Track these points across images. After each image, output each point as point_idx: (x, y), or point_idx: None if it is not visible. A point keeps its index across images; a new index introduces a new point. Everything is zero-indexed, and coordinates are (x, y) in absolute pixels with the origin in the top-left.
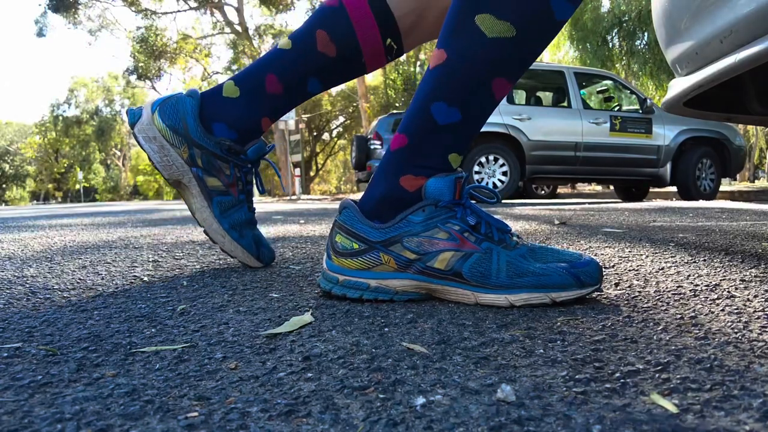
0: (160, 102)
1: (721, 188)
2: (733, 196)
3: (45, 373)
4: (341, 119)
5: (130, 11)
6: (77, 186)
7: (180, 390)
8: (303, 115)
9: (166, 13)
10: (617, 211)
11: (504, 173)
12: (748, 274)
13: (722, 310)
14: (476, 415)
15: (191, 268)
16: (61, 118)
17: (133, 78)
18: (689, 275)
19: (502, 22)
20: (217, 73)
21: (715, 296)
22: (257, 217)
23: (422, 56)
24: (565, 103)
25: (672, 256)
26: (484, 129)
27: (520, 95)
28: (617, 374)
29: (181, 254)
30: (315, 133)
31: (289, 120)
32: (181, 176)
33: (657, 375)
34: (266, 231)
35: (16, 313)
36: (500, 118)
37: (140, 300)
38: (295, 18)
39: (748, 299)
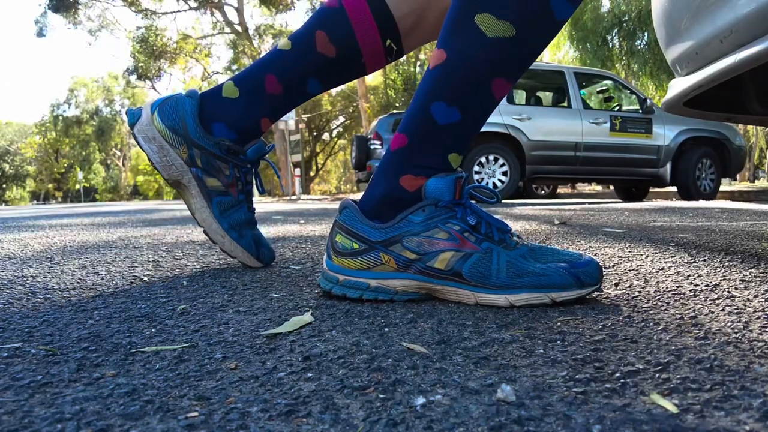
0: (159, 102)
1: (721, 188)
2: (733, 196)
3: (45, 373)
4: (341, 119)
5: (130, 11)
6: (77, 186)
7: (180, 390)
8: (303, 115)
9: (166, 13)
10: (617, 211)
11: (504, 173)
12: (748, 274)
13: (722, 310)
14: (476, 415)
15: (191, 268)
16: (61, 118)
17: (133, 78)
18: (689, 275)
19: (502, 21)
20: (217, 73)
21: (715, 296)
22: (257, 217)
23: (422, 56)
24: (565, 103)
25: (672, 256)
26: (484, 129)
27: (520, 95)
28: (617, 374)
29: (181, 254)
30: (315, 133)
31: (289, 120)
32: (180, 176)
33: (657, 375)
34: (266, 231)
35: (16, 313)
36: (500, 118)
37: (140, 300)
38: (295, 18)
39: (748, 299)
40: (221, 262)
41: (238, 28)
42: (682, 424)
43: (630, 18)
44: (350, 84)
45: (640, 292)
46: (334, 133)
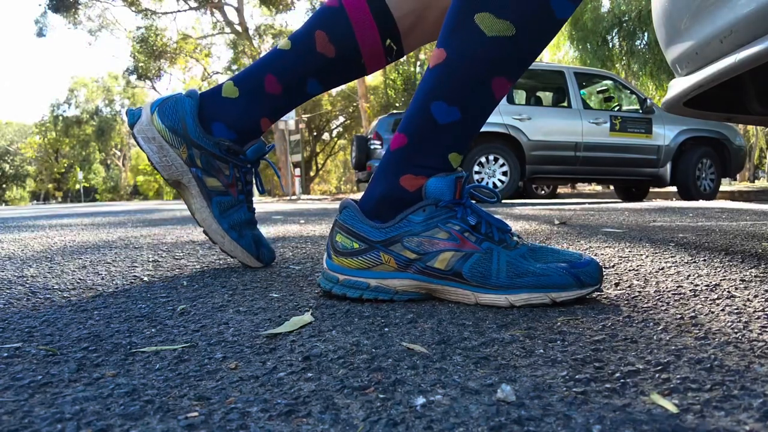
0: (159, 102)
1: (721, 188)
2: (733, 196)
3: (45, 373)
4: (341, 119)
5: (130, 11)
6: (77, 186)
7: (180, 390)
8: (303, 115)
9: (166, 13)
10: (617, 211)
11: (504, 173)
12: (748, 274)
13: (722, 310)
14: (476, 415)
15: (191, 268)
16: (61, 118)
17: (133, 78)
18: (689, 275)
19: (502, 20)
20: (217, 73)
21: (715, 296)
22: (257, 217)
23: (422, 56)
24: (565, 103)
25: (672, 256)
26: (484, 129)
27: (520, 95)
28: (617, 374)
29: (181, 254)
30: (315, 133)
31: (289, 120)
32: (180, 176)
33: (657, 375)
34: (266, 231)
35: (16, 313)
36: (500, 118)
37: (140, 300)
38: (295, 18)
39: (748, 299)
40: (221, 262)
41: (238, 28)
42: (682, 424)
43: (630, 18)
44: (350, 84)
45: (640, 292)
46: (334, 133)
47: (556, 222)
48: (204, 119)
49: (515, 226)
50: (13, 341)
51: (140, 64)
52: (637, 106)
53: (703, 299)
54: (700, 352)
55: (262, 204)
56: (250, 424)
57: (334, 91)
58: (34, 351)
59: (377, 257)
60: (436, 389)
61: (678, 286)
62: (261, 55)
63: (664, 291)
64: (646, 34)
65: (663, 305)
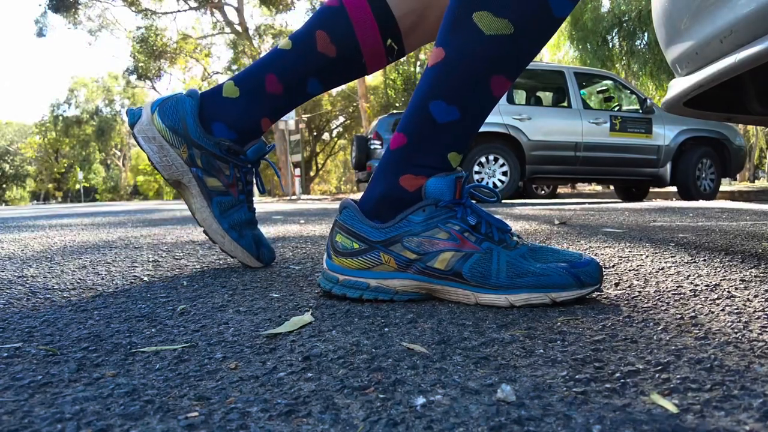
0: (159, 102)
1: (721, 188)
2: (733, 196)
3: (45, 373)
4: (341, 119)
5: (130, 11)
6: (77, 186)
7: (180, 390)
8: (303, 115)
9: (166, 13)
10: (617, 211)
11: (504, 173)
12: (748, 274)
13: (722, 310)
14: (476, 415)
15: (191, 268)
16: (61, 118)
17: (133, 78)
18: (689, 275)
19: (500, 19)
20: (217, 73)
21: (715, 296)
22: (257, 217)
23: (422, 56)
24: (565, 103)
25: (672, 256)
26: (484, 129)
27: (520, 95)
28: (617, 374)
29: (181, 254)
30: (315, 133)
31: (289, 120)
32: (180, 176)
33: (657, 375)
34: (266, 231)
35: (16, 313)
36: (500, 118)
37: (140, 300)
38: (295, 18)
39: (748, 299)
40: (221, 262)
41: (238, 28)
42: (682, 424)
43: (630, 18)
44: (350, 84)
45: (640, 292)
46: (334, 133)
47: (556, 222)
48: (204, 119)
49: (515, 226)
50: (13, 341)
51: (140, 64)
52: (637, 106)
53: (703, 299)
54: (700, 352)
55: (262, 204)
56: (250, 424)
57: (334, 91)
58: (34, 351)
59: (377, 257)
60: (436, 389)
61: (678, 286)
62: (261, 55)
63: (664, 291)
64: (646, 34)
65: (663, 305)
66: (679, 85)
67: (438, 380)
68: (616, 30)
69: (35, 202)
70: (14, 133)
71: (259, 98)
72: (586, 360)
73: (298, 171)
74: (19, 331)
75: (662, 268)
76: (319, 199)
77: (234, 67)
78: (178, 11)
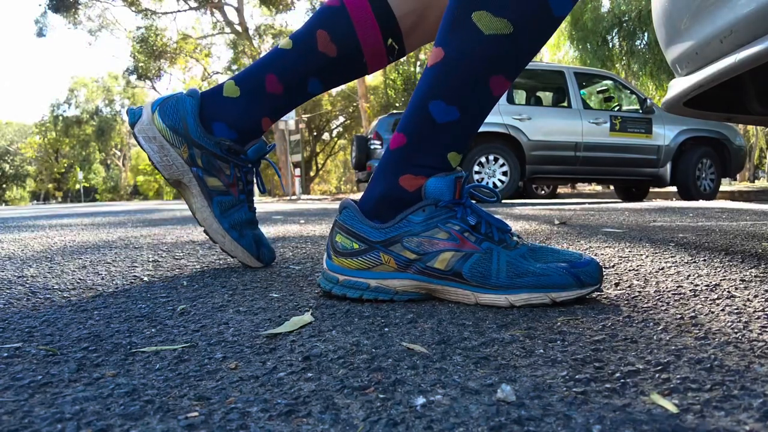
0: (160, 102)
1: (721, 188)
2: (733, 196)
3: (45, 373)
4: (341, 119)
5: (130, 11)
6: (77, 186)
7: (180, 390)
8: (303, 115)
9: (166, 13)
10: (617, 211)
11: (504, 173)
12: (748, 274)
13: (722, 310)
14: (476, 415)
15: (191, 268)
16: (61, 118)
17: (133, 78)
18: (689, 275)
19: (499, 19)
20: (217, 73)
21: (715, 296)
22: (257, 217)
23: (422, 56)
24: (565, 103)
25: (672, 256)
26: (484, 129)
27: (520, 95)
28: (617, 374)
29: (181, 254)
30: (315, 133)
31: (289, 120)
32: (181, 176)
33: (657, 375)
34: (266, 231)
35: (16, 313)
36: (500, 118)
37: (140, 300)
38: (295, 18)
39: (748, 299)
40: (221, 262)
41: (238, 28)
42: (682, 424)
43: (630, 18)
44: (350, 84)
45: (640, 292)
46: (334, 133)
47: (556, 222)
48: (205, 119)
49: (515, 226)
50: (13, 341)
51: (140, 64)
52: (637, 106)
53: (703, 299)
54: (700, 352)
55: (262, 204)
56: (250, 424)
57: (334, 91)
58: (34, 351)
59: (377, 257)
60: (436, 389)
61: (678, 286)
62: (261, 55)
63: (664, 291)
64: (646, 34)
65: (663, 305)
66: (679, 85)
67: (438, 380)
68: (616, 30)
69: (35, 202)
70: (14, 133)
71: (260, 98)
72: (586, 360)
73: (298, 171)
74: (19, 331)
75: (662, 268)
76: (319, 199)
77: (234, 67)
78: (178, 11)
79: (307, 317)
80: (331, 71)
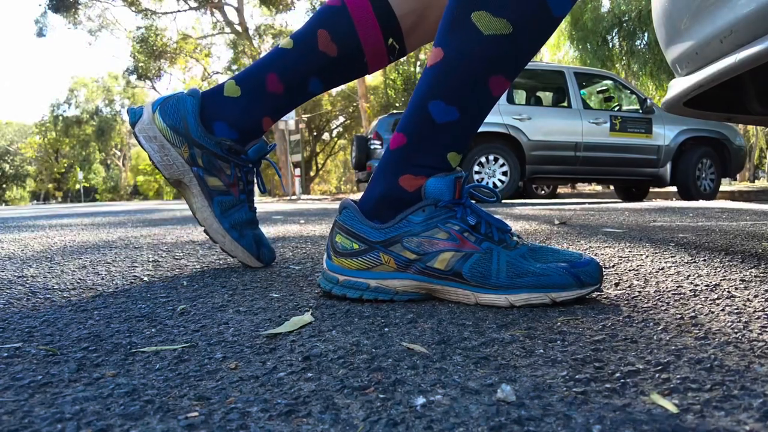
0: (161, 101)
1: (721, 188)
2: (733, 196)
3: (45, 373)
4: (341, 119)
5: (130, 11)
6: (77, 186)
7: (180, 390)
8: (303, 115)
9: (166, 13)
10: (617, 211)
11: (504, 173)
12: (748, 274)
13: (722, 310)
14: (476, 415)
15: (191, 268)
16: (61, 118)
17: (133, 78)
18: (689, 275)
19: (498, 19)
20: (217, 73)
21: (715, 296)
22: (258, 217)
23: (422, 56)
24: (565, 103)
25: (672, 256)
26: (484, 129)
27: (520, 95)
28: (617, 374)
29: (181, 254)
30: (315, 133)
31: (289, 120)
32: (181, 176)
33: (657, 375)
34: (266, 231)
35: (16, 313)
36: (500, 118)
37: (140, 300)
38: (296, 18)
39: (748, 299)
40: (221, 262)
41: (238, 28)
42: (682, 424)
43: (630, 18)
44: (350, 84)
45: (640, 292)
46: (334, 133)
47: (556, 222)
48: (205, 118)
49: (515, 226)
50: (13, 341)
51: (140, 64)
52: (637, 106)
53: (703, 299)
54: (700, 352)
55: (262, 204)
56: (250, 424)
57: (334, 91)
58: (34, 351)
59: (377, 258)
60: (436, 389)
61: (678, 286)
62: (261, 55)
63: (664, 291)
64: (646, 34)
65: (663, 305)
66: (679, 85)
67: (438, 380)
68: (616, 30)
69: (35, 202)
70: (14, 133)
71: (261, 97)
72: (586, 360)
73: (298, 171)
74: (19, 331)
75: (662, 268)
76: (319, 199)
77: (234, 67)
78: (178, 11)
79: (307, 317)
80: (332, 71)
